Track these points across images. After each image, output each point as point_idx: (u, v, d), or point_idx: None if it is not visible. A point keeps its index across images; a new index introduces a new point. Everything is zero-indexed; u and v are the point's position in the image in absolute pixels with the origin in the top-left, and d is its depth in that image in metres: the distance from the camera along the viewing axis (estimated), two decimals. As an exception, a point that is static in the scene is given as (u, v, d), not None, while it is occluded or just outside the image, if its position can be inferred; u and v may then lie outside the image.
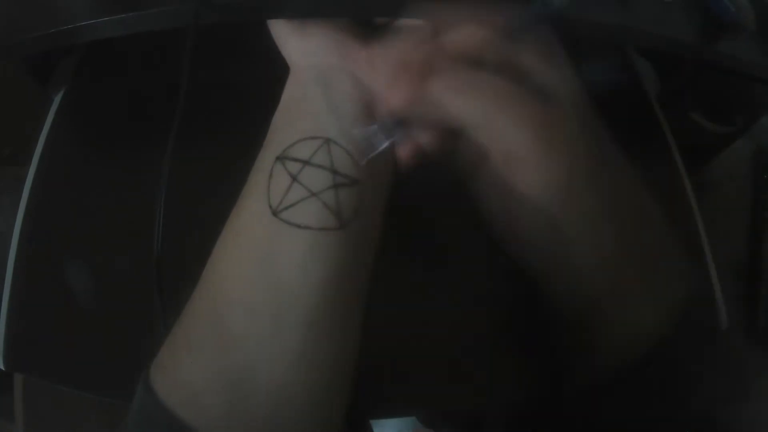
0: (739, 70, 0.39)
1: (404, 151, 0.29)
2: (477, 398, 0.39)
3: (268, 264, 0.26)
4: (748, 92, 0.46)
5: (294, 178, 0.26)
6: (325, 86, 0.29)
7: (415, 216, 0.39)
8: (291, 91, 0.30)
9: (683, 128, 0.49)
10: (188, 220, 0.36)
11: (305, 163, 0.27)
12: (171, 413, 0.24)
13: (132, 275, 0.37)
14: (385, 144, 0.27)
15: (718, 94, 0.48)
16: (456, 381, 0.38)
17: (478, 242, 0.42)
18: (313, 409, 0.26)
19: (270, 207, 0.26)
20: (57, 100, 0.45)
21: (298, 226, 0.26)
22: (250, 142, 0.30)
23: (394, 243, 0.31)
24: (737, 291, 0.72)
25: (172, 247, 0.28)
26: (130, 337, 0.36)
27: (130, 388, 0.27)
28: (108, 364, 0.36)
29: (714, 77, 0.47)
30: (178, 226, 0.29)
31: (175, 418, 0.24)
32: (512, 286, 0.40)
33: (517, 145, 0.26)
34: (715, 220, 0.47)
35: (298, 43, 0.30)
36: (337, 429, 0.28)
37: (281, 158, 0.27)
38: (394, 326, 0.35)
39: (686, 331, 0.27)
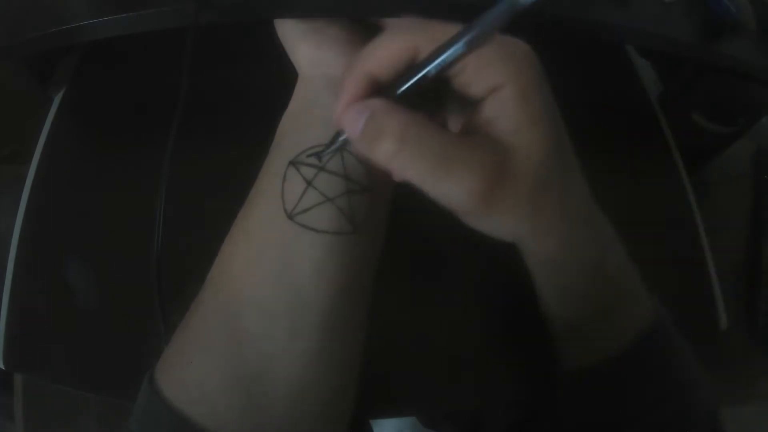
0: (739, 70, 0.39)
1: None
2: (477, 398, 0.39)
3: (284, 266, 0.26)
4: (748, 93, 0.46)
5: (309, 183, 0.27)
6: (336, 96, 0.29)
7: (416, 220, 0.39)
8: (301, 97, 0.30)
9: (684, 129, 0.49)
10: (188, 220, 0.36)
11: (320, 168, 0.27)
12: (179, 413, 0.24)
13: (132, 275, 0.37)
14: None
15: (718, 94, 0.48)
16: (456, 381, 0.38)
17: (478, 245, 0.42)
18: (325, 409, 0.27)
19: (285, 210, 0.26)
20: (57, 100, 0.45)
21: (315, 230, 0.26)
22: (249, 142, 0.30)
23: (396, 246, 0.31)
24: (737, 291, 0.72)
25: (172, 247, 0.28)
26: (130, 337, 0.36)
27: (130, 388, 0.27)
28: (108, 364, 0.36)
29: (715, 78, 0.47)
30: (178, 226, 0.29)
31: (184, 418, 0.24)
32: (512, 288, 0.40)
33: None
34: (715, 220, 0.47)
35: (309, 52, 0.30)
36: (345, 429, 0.28)
37: (295, 163, 0.27)
38: (395, 327, 0.35)
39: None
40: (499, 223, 0.26)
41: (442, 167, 0.22)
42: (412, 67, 0.24)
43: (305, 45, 0.30)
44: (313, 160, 0.27)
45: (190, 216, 0.37)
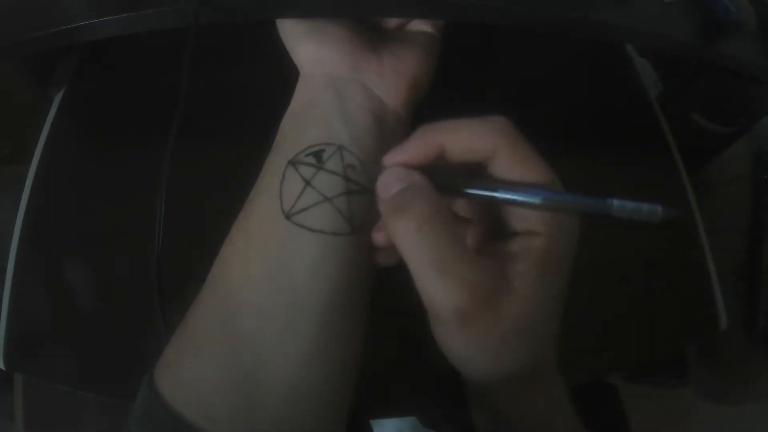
0: (739, 70, 0.39)
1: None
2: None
3: (281, 266, 0.26)
4: (748, 93, 0.46)
5: (308, 183, 0.27)
6: (337, 95, 0.29)
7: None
8: (302, 96, 0.30)
9: (683, 128, 0.49)
10: (189, 220, 0.36)
11: (319, 168, 0.27)
12: (176, 413, 0.24)
13: (132, 275, 0.37)
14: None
15: (718, 94, 0.49)
16: (456, 381, 0.38)
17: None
18: (321, 410, 0.26)
19: (282, 210, 0.26)
20: (57, 100, 0.45)
21: (311, 230, 0.26)
22: (249, 142, 0.30)
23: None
24: (737, 291, 0.72)
25: (172, 247, 0.28)
26: (130, 337, 0.36)
27: (130, 388, 0.27)
28: (108, 364, 0.36)
29: (714, 78, 0.47)
30: (178, 226, 0.29)
31: (180, 418, 0.24)
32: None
33: None
34: (715, 220, 0.47)
35: (310, 51, 0.30)
36: (342, 429, 0.28)
37: (294, 162, 0.27)
38: (395, 327, 0.35)
39: None
40: (462, 345, 0.25)
41: (439, 270, 0.22)
42: (481, 181, 0.24)
43: (307, 44, 0.30)
44: (311, 160, 0.27)
45: (190, 216, 0.37)
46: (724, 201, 0.71)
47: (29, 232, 0.39)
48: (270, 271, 0.26)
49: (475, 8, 0.32)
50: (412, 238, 0.22)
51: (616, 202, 0.23)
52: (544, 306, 0.24)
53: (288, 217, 0.26)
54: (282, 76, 0.31)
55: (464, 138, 0.24)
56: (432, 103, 0.33)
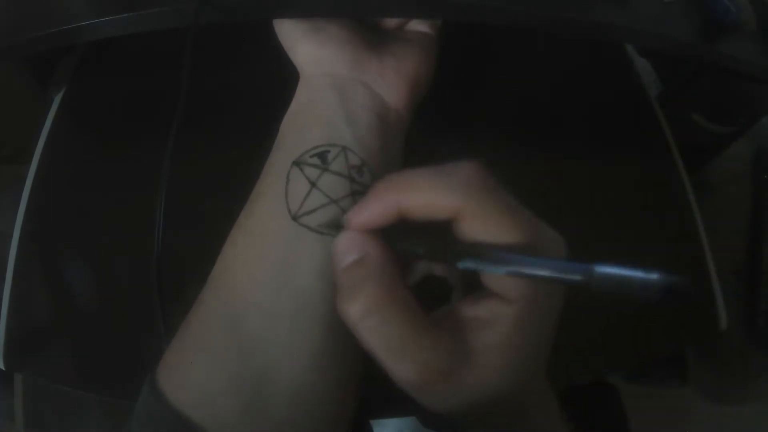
0: (739, 70, 0.39)
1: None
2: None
3: (287, 268, 0.26)
4: (748, 93, 0.46)
5: (313, 185, 0.27)
6: (339, 95, 0.29)
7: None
8: (303, 96, 0.30)
9: (684, 129, 0.49)
10: (189, 219, 0.37)
11: (324, 169, 0.27)
12: (181, 414, 0.24)
13: (132, 275, 0.37)
14: None
15: (718, 94, 0.49)
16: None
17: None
18: (326, 411, 0.26)
19: (289, 211, 0.26)
20: (57, 100, 0.45)
21: (319, 232, 0.26)
22: (250, 142, 0.30)
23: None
24: (737, 291, 0.72)
25: (172, 246, 0.28)
26: (131, 337, 0.36)
27: (130, 388, 0.27)
28: (108, 364, 0.36)
29: (715, 78, 0.47)
30: (178, 225, 0.29)
31: (185, 419, 0.24)
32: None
33: None
34: (715, 220, 0.47)
35: (310, 51, 0.30)
36: (346, 430, 0.28)
37: (299, 163, 0.27)
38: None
39: None
40: (426, 403, 0.23)
41: (389, 353, 0.21)
42: (444, 246, 0.22)
43: (307, 44, 0.30)
44: (316, 161, 0.27)
45: (190, 216, 0.37)
46: (724, 201, 0.71)
47: (29, 232, 0.39)
48: (275, 272, 0.26)
49: (475, 8, 0.32)
50: (361, 325, 0.21)
51: (598, 271, 0.18)
52: (515, 372, 0.22)
53: (295, 218, 0.26)
54: (282, 76, 0.31)
55: (423, 197, 0.22)
56: (432, 103, 0.33)
